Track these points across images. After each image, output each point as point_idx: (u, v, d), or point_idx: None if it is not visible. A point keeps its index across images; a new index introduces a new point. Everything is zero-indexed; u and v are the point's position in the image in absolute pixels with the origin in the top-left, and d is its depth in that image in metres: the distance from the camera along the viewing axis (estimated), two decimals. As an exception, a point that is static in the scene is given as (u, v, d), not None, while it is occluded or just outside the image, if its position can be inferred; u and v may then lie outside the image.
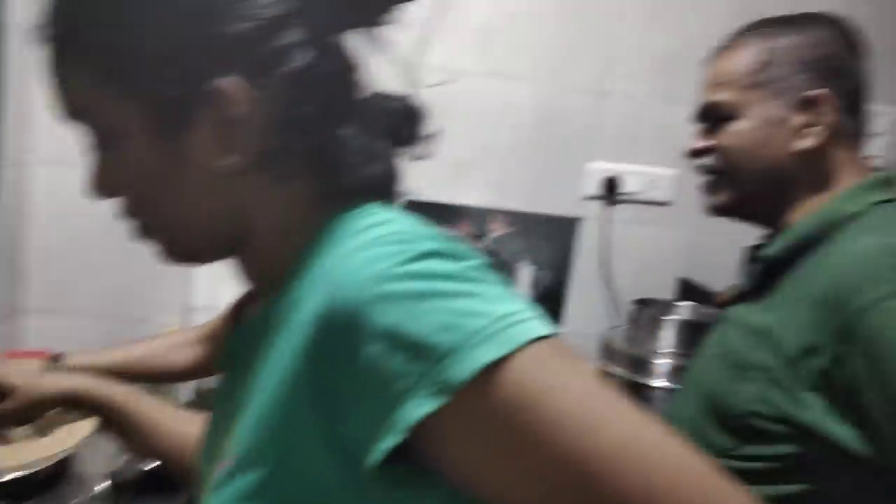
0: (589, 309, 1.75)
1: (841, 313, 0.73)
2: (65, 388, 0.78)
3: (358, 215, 0.45)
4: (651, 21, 1.64)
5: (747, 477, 0.81)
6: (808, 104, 0.87)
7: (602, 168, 1.68)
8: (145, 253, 0.53)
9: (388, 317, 0.36)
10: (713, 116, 0.93)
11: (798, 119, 0.88)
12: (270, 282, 0.49)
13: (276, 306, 0.46)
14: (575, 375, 0.38)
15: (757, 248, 1.05)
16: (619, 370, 1.38)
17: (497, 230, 1.69)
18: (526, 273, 1.73)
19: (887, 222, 0.81)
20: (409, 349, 0.36)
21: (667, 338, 1.38)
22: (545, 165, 1.68)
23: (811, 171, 0.89)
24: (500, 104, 1.63)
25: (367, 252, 0.39)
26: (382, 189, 0.52)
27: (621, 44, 1.64)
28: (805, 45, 0.88)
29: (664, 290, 1.72)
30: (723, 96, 0.92)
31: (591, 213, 1.71)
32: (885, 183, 0.88)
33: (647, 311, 1.42)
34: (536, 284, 1.74)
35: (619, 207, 1.72)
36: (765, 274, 0.90)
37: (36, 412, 0.83)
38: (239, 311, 0.67)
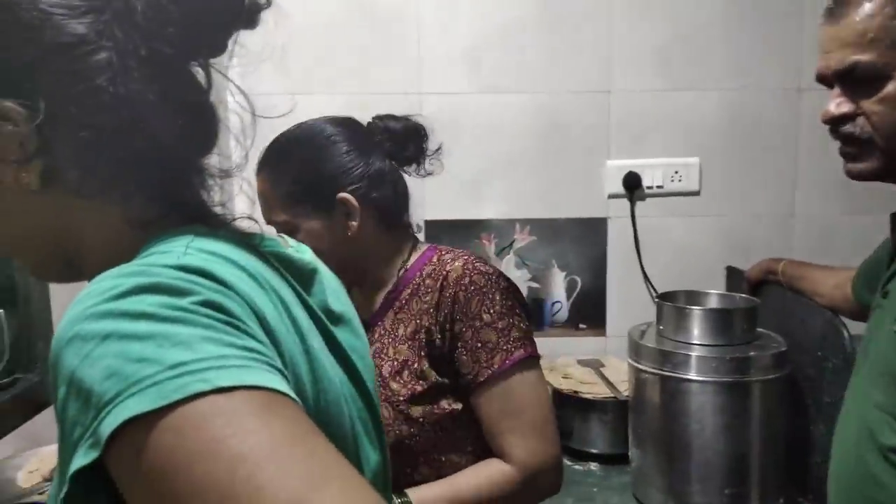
0: (630, 308, 1.72)
1: None
2: None
3: (154, 242, 0.44)
4: (643, 12, 1.63)
5: None
6: None
7: (621, 165, 1.67)
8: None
9: (74, 360, 0.35)
10: (852, 78, 0.84)
11: None
12: None
13: None
14: (240, 437, 0.33)
15: None
16: (648, 366, 1.35)
17: (522, 240, 1.70)
18: (559, 279, 1.73)
19: None
20: (81, 396, 0.35)
21: (695, 329, 1.34)
22: (562, 170, 1.68)
23: None
24: (502, 117, 1.66)
25: (90, 287, 0.38)
26: (203, 213, 0.50)
27: (616, 40, 1.64)
28: None
29: (708, 281, 1.66)
30: (865, 56, 0.81)
31: (617, 212, 1.70)
32: None
33: (671, 304, 1.39)
34: (571, 289, 1.73)
35: (646, 202, 1.69)
36: None
37: None
38: None
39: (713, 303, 1.43)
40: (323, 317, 0.52)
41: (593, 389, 1.54)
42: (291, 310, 0.46)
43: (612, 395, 1.51)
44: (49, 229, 0.48)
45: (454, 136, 1.65)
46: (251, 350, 0.37)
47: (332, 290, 0.59)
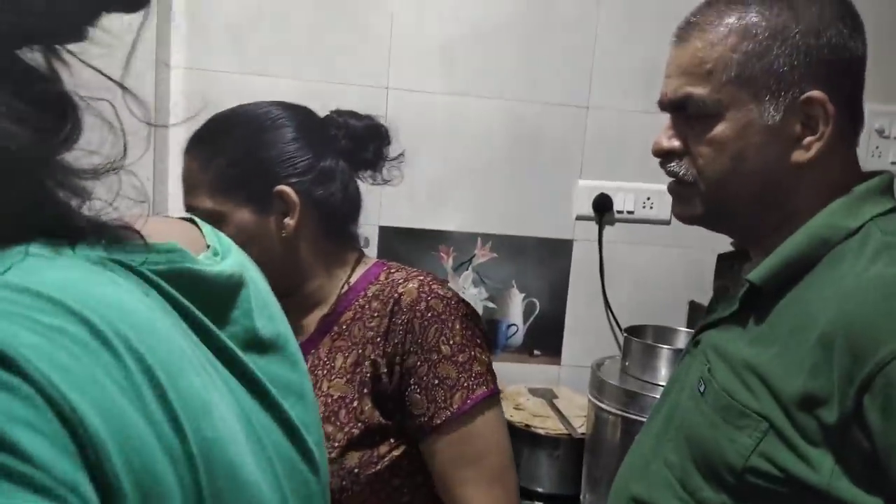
0: (589, 338, 1.63)
1: (856, 361, 0.60)
2: None
3: None
4: (632, 26, 1.54)
5: None
6: (807, 106, 0.70)
7: (592, 186, 1.57)
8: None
9: None
10: (686, 112, 0.76)
11: (794, 125, 0.71)
12: None
13: None
14: None
15: (730, 258, 0.93)
16: (611, 405, 1.25)
17: (482, 256, 1.59)
18: (517, 301, 1.62)
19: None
20: None
21: (663, 368, 1.25)
22: (530, 185, 1.57)
23: (807, 185, 0.73)
24: (472, 123, 1.54)
25: None
26: (62, 222, 0.37)
27: (600, 53, 1.55)
28: (806, 31, 0.70)
29: (671, 315, 1.58)
30: (699, 90, 0.73)
31: (584, 235, 1.60)
32: (882, 191, 0.73)
33: (641, 340, 1.30)
34: (529, 312, 1.62)
35: (615, 227, 1.61)
36: (748, 298, 0.75)
37: None
38: None
39: (683, 341, 1.35)
40: (239, 354, 0.41)
41: (546, 424, 1.43)
42: (158, 372, 0.33)
43: (566, 431, 1.41)
44: None
45: (419, 137, 1.52)
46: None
47: (263, 308, 0.46)
